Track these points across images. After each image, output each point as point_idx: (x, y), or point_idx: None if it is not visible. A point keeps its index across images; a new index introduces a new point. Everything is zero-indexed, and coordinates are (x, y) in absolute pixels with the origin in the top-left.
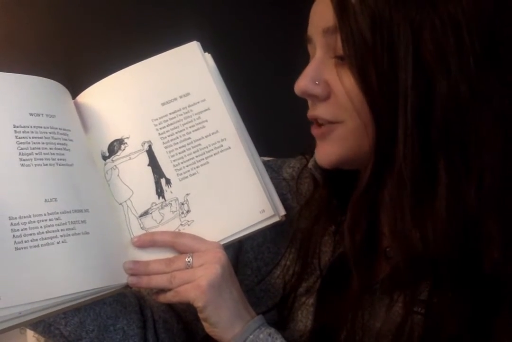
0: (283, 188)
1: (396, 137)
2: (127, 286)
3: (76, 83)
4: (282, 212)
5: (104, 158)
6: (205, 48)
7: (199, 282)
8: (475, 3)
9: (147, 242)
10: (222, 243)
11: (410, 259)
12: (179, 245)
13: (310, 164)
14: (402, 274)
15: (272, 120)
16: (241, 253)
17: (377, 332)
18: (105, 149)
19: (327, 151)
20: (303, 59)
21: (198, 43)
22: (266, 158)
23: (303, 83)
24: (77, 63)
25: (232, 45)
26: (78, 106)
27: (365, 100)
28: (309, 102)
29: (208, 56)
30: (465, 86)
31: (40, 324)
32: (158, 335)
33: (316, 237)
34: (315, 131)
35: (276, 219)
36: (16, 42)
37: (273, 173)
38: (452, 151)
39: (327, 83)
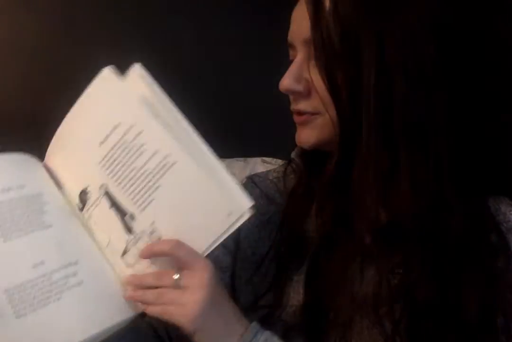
0: (271, 188)
1: (360, 128)
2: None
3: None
4: (249, 203)
5: (80, 209)
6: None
7: (185, 310)
8: (430, 13)
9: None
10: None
11: (377, 234)
12: (175, 258)
13: (292, 154)
14: (371, 249)
15: (267, 117)
16: (239, 251)
17: (357, 299)
18: (78, 201)
19: (308, 135)
20: (286, 59)
21: (112, 67)
22: (266, 159)
23: (286, 82)
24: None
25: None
26: (48, 168)
27: (332, 99)
28: (291, 98)
29: (136, 70)
30: (422, 86)
31: None
32: None
33: (301, 217)
34: (297, 118)
35: (246, 215)
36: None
37: (260, 178)
38: (411, 140)
39: (307, 81)
